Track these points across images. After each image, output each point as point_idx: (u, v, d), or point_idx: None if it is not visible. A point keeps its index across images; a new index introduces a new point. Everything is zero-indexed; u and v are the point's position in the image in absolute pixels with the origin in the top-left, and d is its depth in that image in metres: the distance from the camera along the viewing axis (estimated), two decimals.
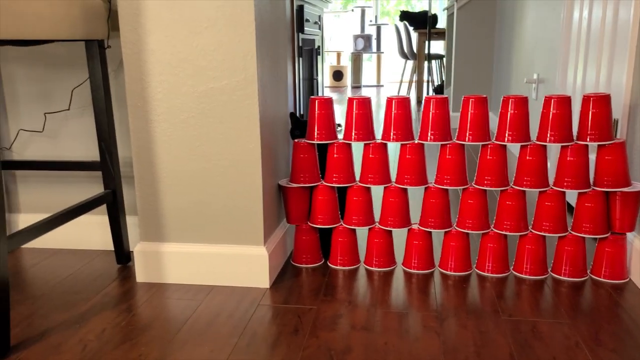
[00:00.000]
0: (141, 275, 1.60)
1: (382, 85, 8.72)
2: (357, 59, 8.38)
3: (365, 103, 1.61)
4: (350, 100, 1.61)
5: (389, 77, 9.18)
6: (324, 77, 7.57)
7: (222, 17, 1.41)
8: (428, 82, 6.23)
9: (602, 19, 1.83)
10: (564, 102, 1.48)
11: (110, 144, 1.60)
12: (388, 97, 1.59)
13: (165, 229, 1.57)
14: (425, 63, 6.07)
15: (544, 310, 1.40)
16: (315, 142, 1.64)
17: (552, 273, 1.60)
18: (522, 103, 1.51)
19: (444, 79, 5.59)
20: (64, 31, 1.38)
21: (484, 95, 1.54)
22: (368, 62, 9.48)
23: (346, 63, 8.78)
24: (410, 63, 6.90)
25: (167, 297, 1.51)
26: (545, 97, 1.51)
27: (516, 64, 3.37)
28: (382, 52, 8.78)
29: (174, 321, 1.38)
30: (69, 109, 1.75)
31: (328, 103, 1.62)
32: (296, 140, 1.66)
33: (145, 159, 1.53)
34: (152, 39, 1.44)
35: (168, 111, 1.48)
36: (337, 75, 8.47)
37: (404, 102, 1.59)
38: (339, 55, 9.00)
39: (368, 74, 9.08)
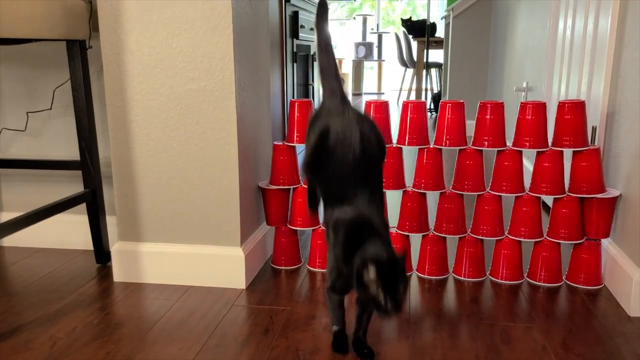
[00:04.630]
0: (118, 274, 1.61)
1: (383, 93, 8.73)
2: (358, 67, 8.40)
3: None
4: None
5: (390, 85, 9.20)
6: None
7: (201, 18, 1.42)
8: (427, 90, 6.24)
9: (584, 29, 1.84)
10: (539, 108, 1.49)
11: (90, 144, 1.61)
12: (367, 101, 1.60)
13: (143, 228, 1.58)
14: (424, 71, 6.08)
15: (516, 315, 1.40)
16: (295, 144, 1.65)
17: (527, 278, 1.60)
18: (499, 109, 1.51)
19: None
20: (43, 30, 1.39)
21: (461, 101, 1.55)
22: (369, 70, 9.51)
23: (348, 70, 8.80)
24: (410, 71, 6.91)
25: (143, 297, 1.52)
26: (521, 103, 1.51)
27: (508, 72, 3.38)
28: (383, 60, 8.81)
29: (146, 320, 1.38)
30: (51, 109, 1.77)
31: (307, 106, 1.63)
32: (276, 143, 1.67)
33: (123, 159, 1.54)
34: (132, 39, 1.46)
35: (146, 111, 1.50)
36: None
37: (382, 106, 1.60)
38: (340, 62, 9.04)
39: (369, 82, 9.10)
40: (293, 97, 3.43)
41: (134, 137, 1.52)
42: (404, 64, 7.00)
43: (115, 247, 1.60)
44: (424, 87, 6.15)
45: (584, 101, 1.48)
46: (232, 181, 1.51)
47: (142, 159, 1.53)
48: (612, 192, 1.51)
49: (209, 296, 1.51)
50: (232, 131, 1.48)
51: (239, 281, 1.56)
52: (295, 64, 3.48)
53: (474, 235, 1.59)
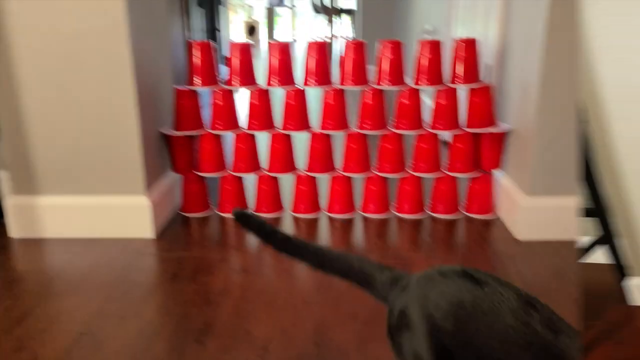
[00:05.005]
0: (16, 230, 1.53)
1: (296, 41, 8.63)
2: (270, 14, 8.22)
3: (246, 49, 1.59)
4: (234, 47, 1.58)
5: (305, 33, 9.09)
6: (233, 31, 7.39)
7: None
8: (339, 37, 6.23)
9: None
10: (435, 46, 1.53)
11: None
12: (269, 42, 1.58)
13: (39, 181, 1.50)
14: (336, 17, 6.05)
15: (418, 247, 1.48)
16: (195, 88, 1.60)
17: (429, 212, 1.68)
18: (398, 48, 1.54)
19: None
20: None
21: (362, 41, 1.57)
22: (282, 18, 9.34)
23: (260, 18, 8.59)
24: (322, 18, 6.85)
25: (43, 252, 1.46)
26: (419, 41, 1.55)
27: (417, 16, 3.43)
28: (294, 7, 8.66)
29: (47, 274, 1.34)
30: None
31: (207, 48, 1.59)
32: (176, 87, 1.62)
33: (10, 108, 1.44)
34: None
35: (33, 55, 1.39)
36: (251, 30, 8.29)
37: (284, 47, 1.58)
38: (251, 9, 8.79)
39: (283, 29, 8.95)
40: None
41: (20, 83, 1.42)
42: (316, 10, 6.92)
43: (10, 201, 1.51)
44: (335, 33, 6.14)
45: (475, 39, 1.54)
46: (131, 127, 1.46)
47: (31, 107, 1.44)
48: (502, 127, 1.60)
49: (115, 247, 1.48)
50: (127, 75, 1.41)
51: (147, 230, 1.53)
52: (200, 9, 3.35)
53: (378, 173, 1.64)
